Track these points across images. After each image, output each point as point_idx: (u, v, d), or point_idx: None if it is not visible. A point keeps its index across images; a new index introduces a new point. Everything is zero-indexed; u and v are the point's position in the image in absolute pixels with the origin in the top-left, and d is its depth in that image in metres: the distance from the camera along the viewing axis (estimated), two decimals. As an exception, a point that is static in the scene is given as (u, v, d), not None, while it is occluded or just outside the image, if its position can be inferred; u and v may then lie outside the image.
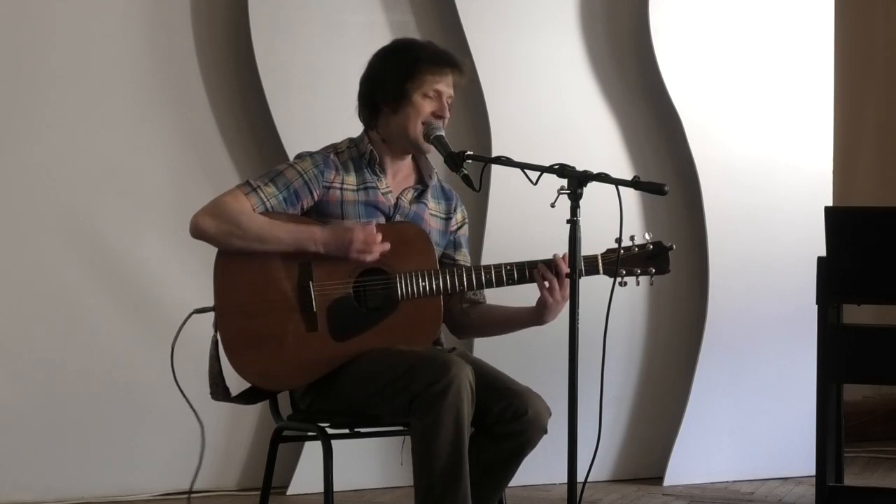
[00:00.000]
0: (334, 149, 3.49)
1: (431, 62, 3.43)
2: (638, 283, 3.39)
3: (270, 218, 3.34)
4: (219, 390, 3.43)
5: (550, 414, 3.33)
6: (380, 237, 3.33)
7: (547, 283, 3.35)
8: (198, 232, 3.35)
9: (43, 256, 4.72)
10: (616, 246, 3.34)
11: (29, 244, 4.71)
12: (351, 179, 3.44)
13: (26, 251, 4.71)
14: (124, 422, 4.79)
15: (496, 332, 3.63)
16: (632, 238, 3.38)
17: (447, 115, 3.43)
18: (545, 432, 3.33)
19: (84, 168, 4.75)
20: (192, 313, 3.42)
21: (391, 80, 3.44)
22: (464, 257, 3.60)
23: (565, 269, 3.33)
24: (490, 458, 3.33)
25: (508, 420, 3.29)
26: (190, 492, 3.79)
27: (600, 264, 3.37)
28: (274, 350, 3.34)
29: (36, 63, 4.70)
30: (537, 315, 3.42)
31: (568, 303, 3.27)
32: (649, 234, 3.41)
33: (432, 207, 3.55)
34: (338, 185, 3.43)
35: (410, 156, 3.54)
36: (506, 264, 3.39)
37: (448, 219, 3.58)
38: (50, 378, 4.71)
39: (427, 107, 3.42)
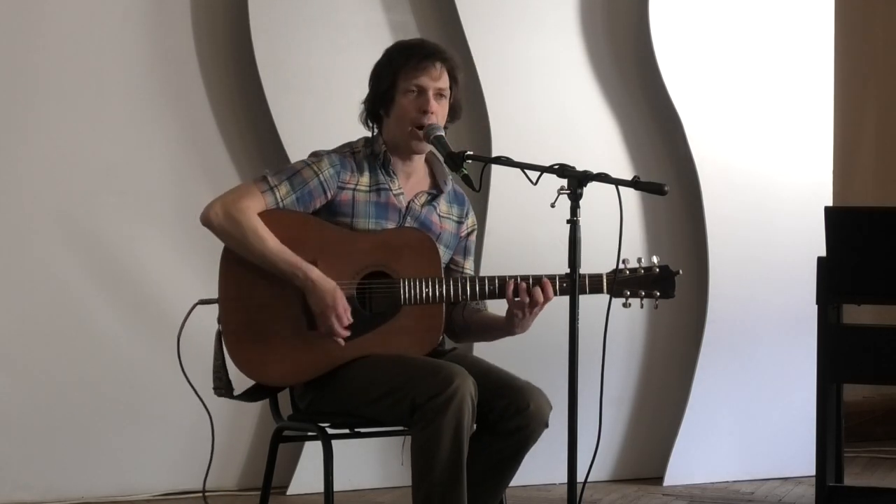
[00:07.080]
0: (351, 148, 3.48)
1: (405, 58, 3.42)
2: (642, 306, 3.38)
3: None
4: (221, 384, 3.42)
5: (551, 408, 3.34)
6: (346, 331, 3.31)
7: (517, 299, 3.34)
8: (207, 224, 3.33)
9: (42, 256, 4.71)
10: (622, 267, 3.33)
11: (29, 244, 4.70)
12: (364, 180, 3.43)
13: (26, 251, 4.70)
14: (124, 422, 4.78)
15: (480, 338, 3.64)
16: (639, 260, 3.38)
17: (430, 108, 3.39)
18: (546, 426, 3.34)
19: (84, 168, 4.75)
20: (197, 304, 3.43)
21: (380, 87, 3.45)
22: (470, 265, 3.60)
23: (541, 297, 3.33)
24: (493, 455, 3.34)
25: (511, 416, 3.30)
26: (204, 490, 3.77)
27: (605, 283, 3.34)
28: (271, 345, 3.34)
29: (36, 63, 4.70)
30: (507, 326, 3.42)
31: (535, 318, 3.33)
32: (657, 258, 3.40)
33: (444, 211, 3.54)
34: (351, 186, 3.42)
35: (424, 160, 3.53)
36: (509, 277, 3.37)
37: (461, 222, 3.58)
38: (50, 378, 4.71)
39: (410, 105, 3.41)
